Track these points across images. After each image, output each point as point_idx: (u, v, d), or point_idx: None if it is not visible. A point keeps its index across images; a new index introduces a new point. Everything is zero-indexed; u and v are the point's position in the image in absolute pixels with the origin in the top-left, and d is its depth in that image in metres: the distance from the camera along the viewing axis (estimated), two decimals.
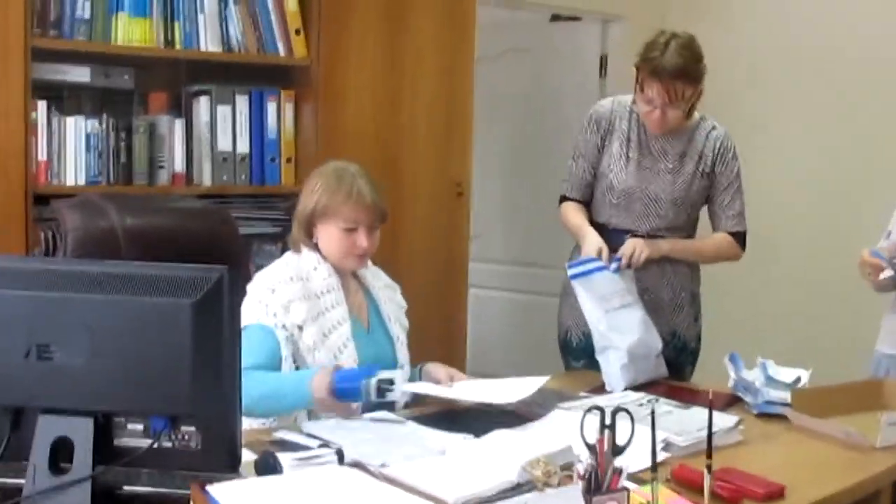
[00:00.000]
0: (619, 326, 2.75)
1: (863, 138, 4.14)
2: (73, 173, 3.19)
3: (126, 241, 2.64)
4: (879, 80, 4.11)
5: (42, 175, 3.13)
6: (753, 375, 2.59)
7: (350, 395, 2.26)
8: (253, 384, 2.04)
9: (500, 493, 1.85)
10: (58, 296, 1.69)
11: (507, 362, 4.92)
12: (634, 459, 1.77)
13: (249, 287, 2.48)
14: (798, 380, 2.55)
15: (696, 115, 2.94)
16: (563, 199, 3.07)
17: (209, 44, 3.38)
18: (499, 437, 2.16)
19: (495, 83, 4.47)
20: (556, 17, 5.05)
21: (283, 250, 3.64)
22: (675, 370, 2.93)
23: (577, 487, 1.67)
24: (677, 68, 2.74)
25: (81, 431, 1.69)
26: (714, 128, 2.95)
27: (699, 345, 3.06)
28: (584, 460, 1.72)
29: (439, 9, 3.79)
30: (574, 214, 3.01)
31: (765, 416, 2.50)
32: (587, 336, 3.00)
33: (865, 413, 2.52)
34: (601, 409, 1.74)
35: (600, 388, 2.74)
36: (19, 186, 3.04)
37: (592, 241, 2.86)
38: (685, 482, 1.94)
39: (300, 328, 2.42)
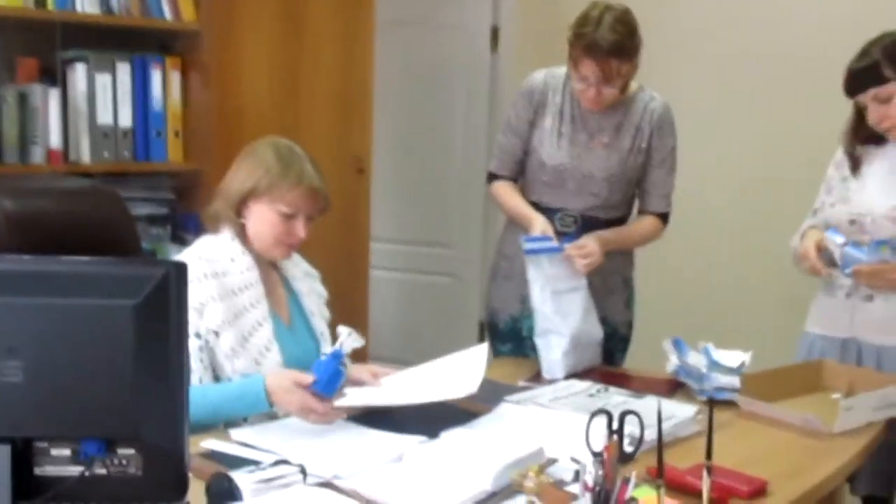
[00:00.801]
0: (564, 311, 2.61)
1: (794, 116, 4.05)
2: None
3: (6, 227, 2.30)
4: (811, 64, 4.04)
5: None
6: (696, 360, 2.49)
7: (336, 379, 2.03)
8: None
9: None
10: None
11: (411, 347, 4.76)
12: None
13: None
14: (742, 364, 2.46)
15: (633, 85, 2.79)
16: (493, 176, 2.89)
17: (86, 5, 3.03)
18: (455, 438, 1.97)
19: (384, 56, 4.23)
20: None
21: (174, 234, 3.40)
22: (605, 357, 2.80)
23: (586, 500, 1.51)
24: (612, 45, 2.57)
25: None
26: (653, 98, 2.80)
27: (630, 331, 2.94)
28: (586, 468, 1.55)
29: None
30: (510, 195, 2.84)
31: (712, 401, 2.40)
32: (514, 319, 2.86)
33: (808, 395, 2.49)
34: (608, 413, 1.58)
35: (538, 377, 2.59)
36: None
37: (539, 223, 2.69)
38: (669, 482, 1.80)
39: (216, 333, 2.16)
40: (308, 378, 2.02)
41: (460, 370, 2.22)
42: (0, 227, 2.30)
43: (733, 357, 2.50)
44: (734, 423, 2.28)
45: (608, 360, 2.81)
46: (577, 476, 1.62)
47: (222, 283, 2.19)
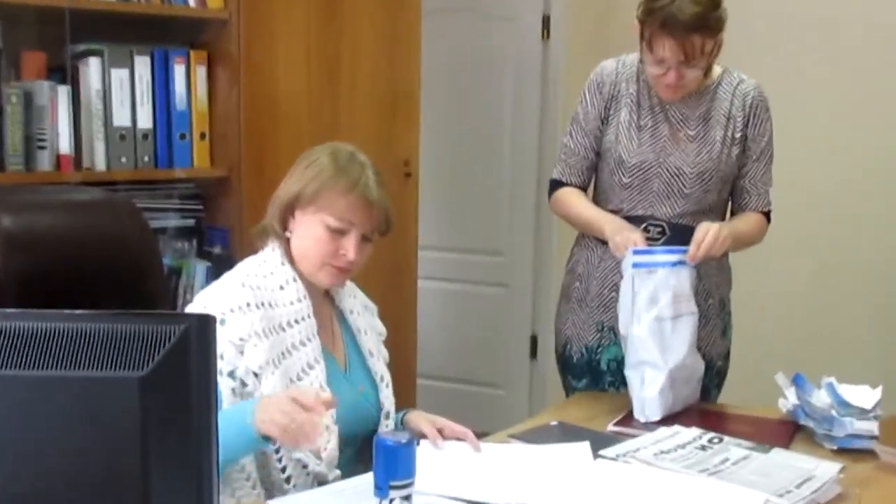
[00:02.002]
0: (666, 340, 2.18)
1: None
2: None
3: (5, 249, 1.93)
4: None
5: None
6: (819, 399, 2.07)
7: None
8: None
9: None
10: None
11: (460, 361, 4.40)
12: None
13: (189, 308, 1.82)
14: (878, 404, 2.03)
15: (717, 68, 2.36)
16: (557, 184, 2.47)
17: None
18: None
19: (429, 48, 3.82)
20: None
21: (200, 248, 3.00)
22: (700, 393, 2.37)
23: None
24: (694, 18, 2.14)
25: None
26: (742, 81, 2.37)
27: (727, 363, 2.49)
28: None
29: None
30: (579, 202, 2.42)
31: (843, 451, 1.99)
32: (590, 350, 2.44)
33: None
34: None
35: (629, 419, 2.17)
36: None
37: (621, 227, 2.27)
38: None
39: (257, 375, 1.75)
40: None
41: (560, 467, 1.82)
42: None
43: (861, 394, 2.07)
44: (877, 481, 1.86)
45: (703, 397, 2.37)
46: None
47: (269, 315, 1.80)
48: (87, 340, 1.03)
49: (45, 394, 1.01)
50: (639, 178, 2.35)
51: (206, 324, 1.06)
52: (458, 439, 1.92)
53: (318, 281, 1.88)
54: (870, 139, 3.52)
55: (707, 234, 2.18)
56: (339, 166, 1.85)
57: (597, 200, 2.45)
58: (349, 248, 1.83)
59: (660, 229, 2.34)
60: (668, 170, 2.33)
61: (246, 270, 1.88)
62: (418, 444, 1.83)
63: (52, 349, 1.02)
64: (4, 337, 1.04)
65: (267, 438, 1.60)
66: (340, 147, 1.92)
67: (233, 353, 1.74)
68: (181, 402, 1.04)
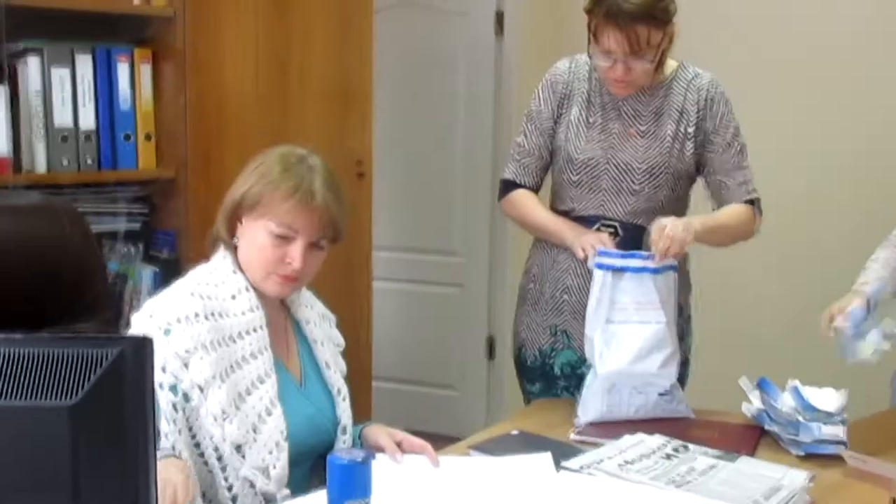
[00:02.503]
0: (608, 344, 2.11)
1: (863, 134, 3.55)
2: None
3: None
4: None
5: None
6: (784, 404, 2.02)
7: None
8: None
9: None
10: None
11: (416, 362, 4.32)
12: None
13: (135, 319, 1.72)
14: (842, 408, 1.99)
15: (672, 63, 2.31)
16: (510, 185, 2.39)
17: None
18: None
19: (382, 44, 3.73)
20: None
21: (146, 252, 2.89)
22: None
23: None
24: (638, 7, 2.10)
25: None
26: (697, 75, 2.31)
27: (687, 370, 2.40)
28: None
29: None
30: (536, 207, 2.35)
31: (810, 456, 1.94)
32: (544, 354, 2.38)
33: None
34: None
35: (591, 426, 2.10)
36: None
37: (583, 232, 2.21)
38: None
39: (202, 389, 1.66)
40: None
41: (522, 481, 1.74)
42: None
43: (826, 397, 2.03)
44: (845, 487, 1.81)
45: None
46: None
47: (218, 326, 1.71)
48: (11, 366, 0.93)
49: None
50: (587, 174, 2.29)
51: (141, 347, 0.96)
52: (417, 453, 1.83)
53: (265, 290, 1.79)
54: (841, 137, 3.50)
55: (664, 228, 2.11)
56: (283, 168, 1.76)
57: (551, 201, 2.38)
58: (294, 255, 1.74)
59: (612, 230, 2.28)
60: (616, 166, 2.28)
61: (196, 279, 1.79)
62: (374, 458, 1.76)
63: None
64: None
65: None
66: (293, 150, 1.82)
67: (177, 366, 1.65)
68: (115, 432, 0.95)
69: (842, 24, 3.49)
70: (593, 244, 2.15)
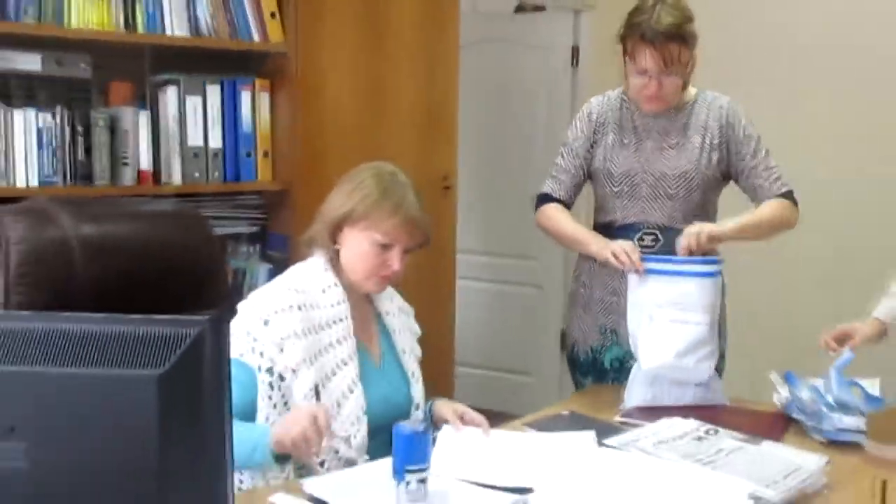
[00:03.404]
0: (650, 340, 2.08)
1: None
2: (25, 174, 2.43)
3: (82, 254, 1.89)
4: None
5: None
6: (808, 396, 1.96)
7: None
8: None
9: None
10: None
11: (496, 352, 4.33)
12: None
13: (241, 307, 1.78)
14: (878, 399, 1.91)
15: (692, 89, 2.28)
16: (545, 198, 2.36)
17: (175, 28, 2.63)
18: (556, 498, 1.49)
19: (469, 74, 3.76)
20: (520, 8, 4.37)
21: (263, 252, 2.98)
22: None
23: None
24: (671, 28, 2.10)
25: None
26: (716, 97, 2.28)
27: (723, 363, 2.31)
28: None
29: None
30: (564, 217, 2.32)
31: (832, 443, 1.87)
32: (595, 351, 2.35)
33: None
34: None
35: (635, 410, 2.07)
36: None
37: (608, 241, 2.17)
38: None
39: (294, 371, 1.71)
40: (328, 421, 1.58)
41: (566, 454, 1.74)
42: (76, 255, 1.92)
43: (867, 386, 1.94)
44: (863, 472, 1.74)
45: None
46: None
47: (309, 316, 1.75)
48: (110, 341, 0.99)
49: (71, 389, 0.97)
50: (627, 185, 2.26)
51: (218, 326, 1.01)
52: (477, 426, 1.85)
53: (366, 288, 1.84)
54: (870, 140, 3.36)
55: (689, 233, 2.09)
56: (383, 189, 1.79)
57: (596, 214, 2.36)
58: (394, 261, 1.79)
59: (653, 237, 2.25)
60: (652, 174, 2.25)
61: (293, 275, 1.84)
62: (437, 430, 1.78)
63: (81, 348, 0.98)
64: (41, 337, 1.01)
65: (277, 459, 1.58)
66: (382, 168, 1.86)
67: (274, 352, 1.70)
68: (195, 397, 1.00)
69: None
70: (625, 249, 2.11)
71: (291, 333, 1.72)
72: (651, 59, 2.12)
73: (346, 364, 1.77)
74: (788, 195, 2.25)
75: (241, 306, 1.81)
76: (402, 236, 1.78)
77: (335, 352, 1.77)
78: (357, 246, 1.80)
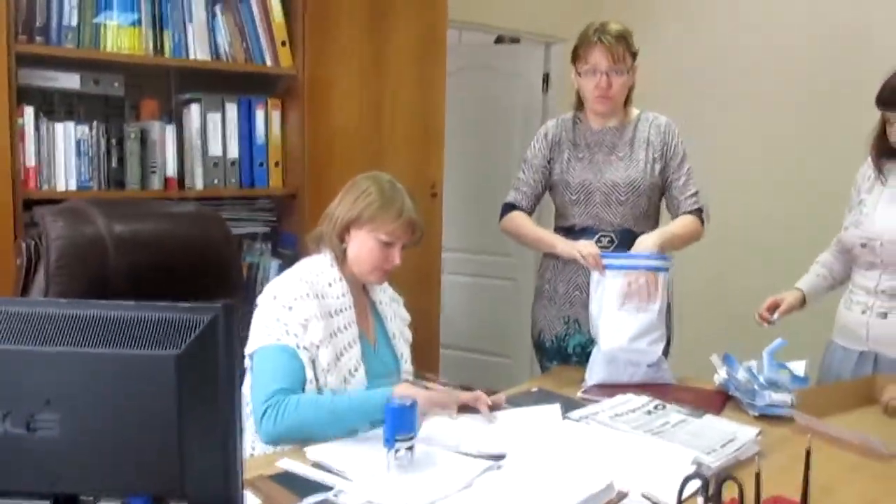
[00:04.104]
0: (609, 326, 2.08)
1: (818, 129, 3.40)
2: (64, 178, 2.40)
3: (114, 249, 1.89)
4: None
5: (32, 181, 2.34)
6: (743, 375, 1.96)
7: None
8: (310, 410, 1.60)
9: None
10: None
11: (477, 337, 4.31)
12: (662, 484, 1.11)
13: (261, 300, 1.76)
14: (803, 378, 1.91)
15: (635, 110, 2.29)
16: (509, 207, 2.34)
17: (198, 53, 2.60)
18: (524, 464, 1.48)
19: (453, 97, 3.74)
20: (499, 40, 4.36)
21: (274, 249, 2.96)
22: None
23: None
24: (618, 32, 2.16)
25: None
26: (656, 117, 2.29)
27: (668, 347, 2.27)
28: None
29: (414, 25, 3.05)
30: (528, 223, 2.31)
31: (763, 417, 1.88)
32: (559, 338, 2.34)
33: (860, 410, 1.93)
34: (704, 479, 1.07)
35: (594, 388, 2.07)
36: (5, 192, 2.24)
37: (572, 242, 2.17)
38: None
39: (318, 347, 1.71)
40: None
41: (533, 426, 1.74)
42: (109, 250, 1.90)
43: (794, 367, 1.94)
44: (790, 441, 1.75)
45: None
46: None
47: (322, 303, 1.75)
48: (135, 325, 0.97)
49: (100, 366, 0.96)
50: (583, 193, 2.26)
51: (229, 312, 1.00)
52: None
53: (368, 280, 1.85)
54: (794, 138, 3.38)
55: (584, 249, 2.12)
56: (385, 196, 1.80)
57: (557, 220, 2.36)
58: (395, 256, 1.80)
59: (609, 238, 2.24)
60: (605, 184, 2.24)
61: (303, 268, 1.83)
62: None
63: (108, 331, 0.97)
64: (75, 321, 0.99)
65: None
66: (381, 177, 1.85)
67: (300, 331, 1.70)
68: (210, 375, 0.98)
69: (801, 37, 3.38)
70: (589, 249, 2.11)
71: (312, 316, 1.72)
72: (601, 54, 2.14)
73: (351, 347, 1.77)
74: (697, 212, 2.25)
75: (261, 300, 1.79)
76: (403, 235, 1.80)
77: (343, 335, 1.76)
78: (363, 244, 1.80)
